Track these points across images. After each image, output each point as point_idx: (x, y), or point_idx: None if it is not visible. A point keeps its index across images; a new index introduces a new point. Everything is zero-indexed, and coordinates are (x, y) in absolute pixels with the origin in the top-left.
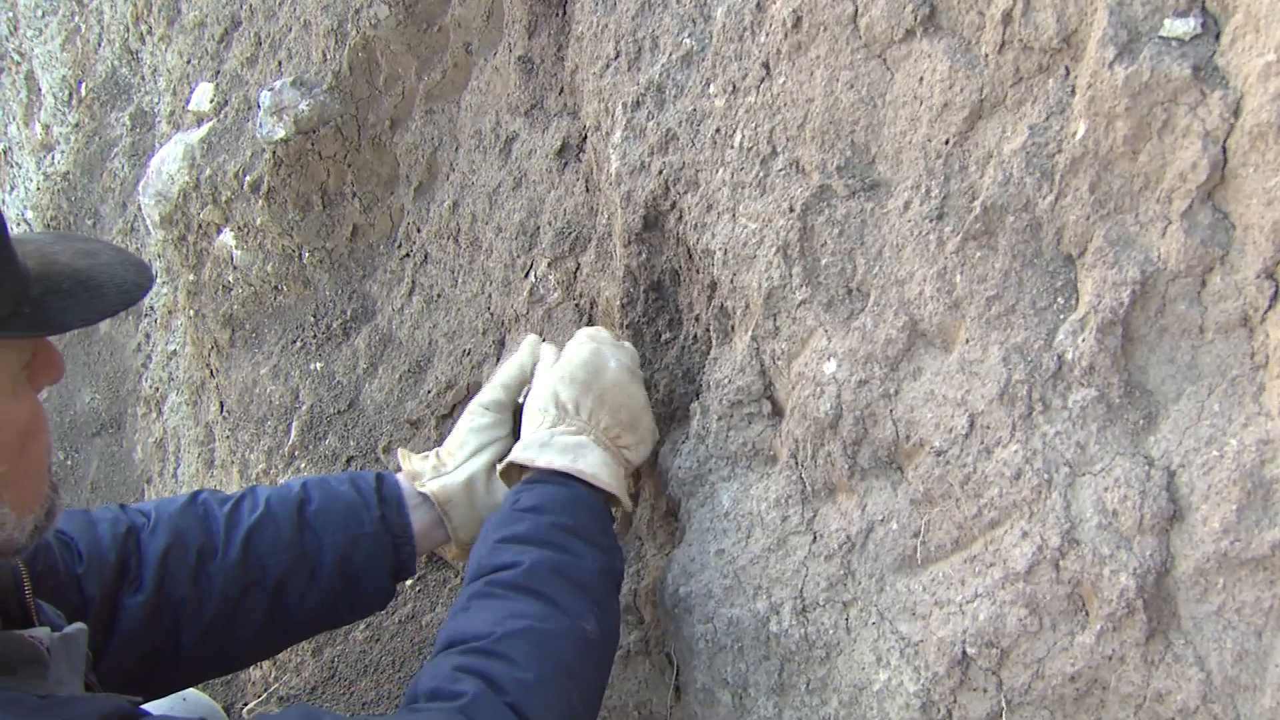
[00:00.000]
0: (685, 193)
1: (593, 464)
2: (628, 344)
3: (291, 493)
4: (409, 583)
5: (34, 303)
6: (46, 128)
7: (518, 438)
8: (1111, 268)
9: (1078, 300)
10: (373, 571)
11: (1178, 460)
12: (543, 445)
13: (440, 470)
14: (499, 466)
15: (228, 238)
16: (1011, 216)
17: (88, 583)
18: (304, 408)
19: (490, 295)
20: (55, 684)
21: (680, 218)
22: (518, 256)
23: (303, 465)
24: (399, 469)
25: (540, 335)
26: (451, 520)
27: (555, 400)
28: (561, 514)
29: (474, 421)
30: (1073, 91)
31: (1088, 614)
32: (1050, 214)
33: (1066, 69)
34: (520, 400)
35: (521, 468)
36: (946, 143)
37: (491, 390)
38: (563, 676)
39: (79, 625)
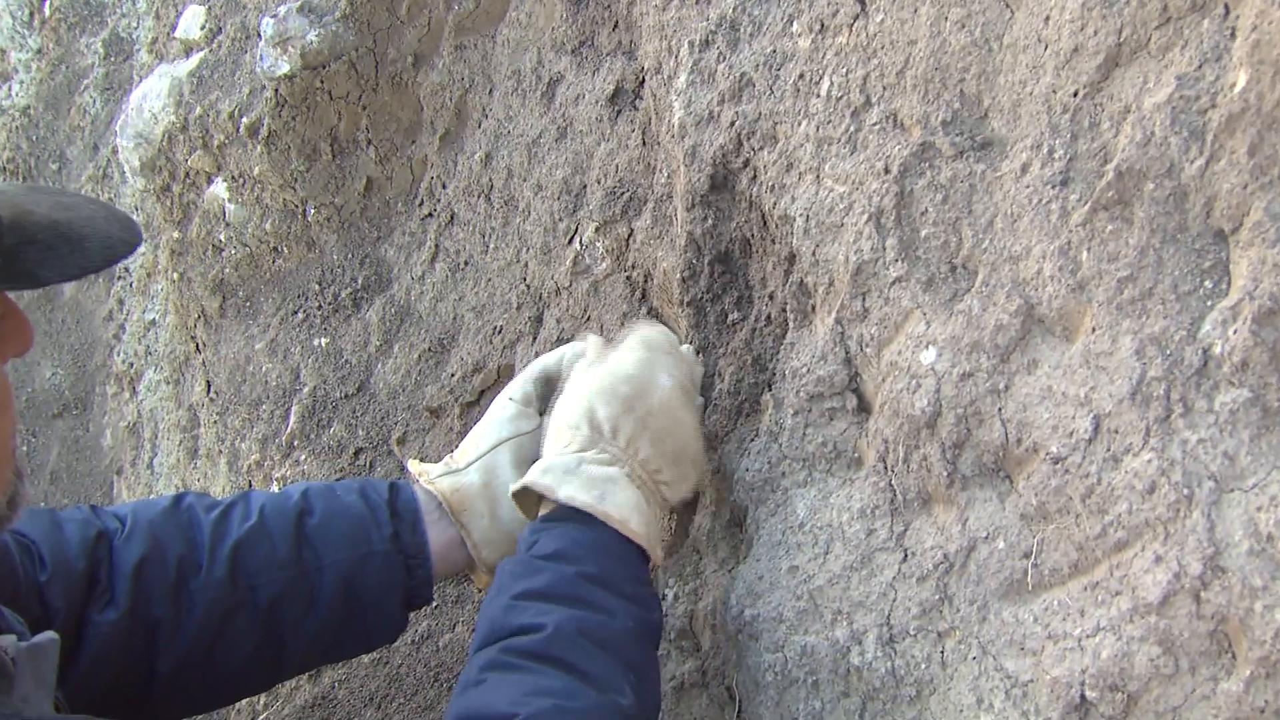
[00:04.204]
0: (761, 148)
1: (621, 505)
2: (689, 352)
3: (290, 501)
4: None
5: (6, 254)
6: (2, 53)
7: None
8: (1273, 246)
9: (1229, 284)
10: (381, 598)
11: None
12: (566, 472)
13: (451, 466)
14: (512, 488)
15: (220, 189)
16: (1151, 183)
17: (51, 593)
18: (305, 390)
19: (527, 264)
20: (21, 701)
21: (754, 178)
22: (560, 219)
23: (302, 457)
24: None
25: (592, 321)
26: (470, 535)
27: (590, 417)
28: (586, 562)
29: (496, 413)
30: (1232, 35)
31: (1234, 656)
32: (1199, 181)
33: (1225, 7)
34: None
35: (539, 496)
36: (1075, 95)
37: (523, 381)
38: None
39: (49, 635)
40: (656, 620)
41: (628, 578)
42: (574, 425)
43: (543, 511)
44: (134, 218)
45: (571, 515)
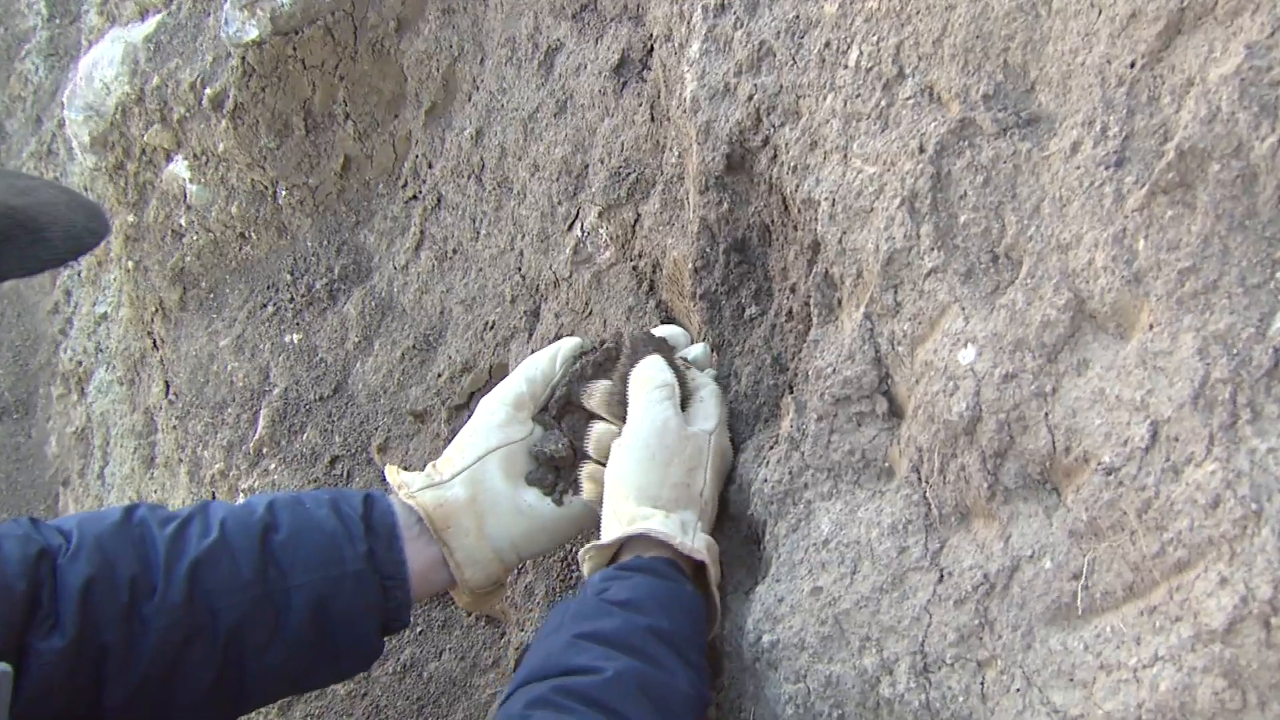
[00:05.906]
0: (782, 125)
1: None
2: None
3: (254, 515)
4: None
5: None
6: None
7: (546, 444)
8: None
9: None
10: (355, 622)
11: None
12: (715, 562)
13: (434, 478)
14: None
15: (180, 168)
16: (1217, 164)
17: None
18: (276, 391)
19: (522, 252)
20: None
21: (774, 158)
22: (559, 203)
23: (272, 466)
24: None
25: (594, 315)
26: (453, 554)
27: (715, 496)
28: (659, 616)
29: (484, 419)
30: None
31: None
32: (1270, 162)
33: None
34: (546, 394)
35: (615, 546)
36: (1132, 65)
37: (514, 382)
38: None
39: (2, 666)
40: (709, 697)
41: (695, 645)
42: (706, 496)
43: (625, 558)
44: (97, 204)
45: (649, 564)
